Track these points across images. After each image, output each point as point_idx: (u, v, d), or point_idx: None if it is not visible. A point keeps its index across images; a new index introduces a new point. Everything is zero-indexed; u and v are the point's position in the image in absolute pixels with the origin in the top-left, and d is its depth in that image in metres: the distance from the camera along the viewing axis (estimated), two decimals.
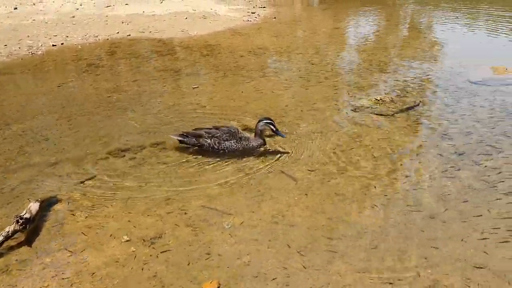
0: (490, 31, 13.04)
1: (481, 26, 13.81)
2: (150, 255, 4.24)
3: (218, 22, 14.62)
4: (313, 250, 4.23)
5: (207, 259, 4.17)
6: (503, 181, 5.21)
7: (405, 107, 7.32)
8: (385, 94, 7.82)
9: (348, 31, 13.84)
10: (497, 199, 4.88)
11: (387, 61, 10.13)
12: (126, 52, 11.36)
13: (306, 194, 5.13)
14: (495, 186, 5.12)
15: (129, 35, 13.12)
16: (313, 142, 6.31)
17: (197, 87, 8.64)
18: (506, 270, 3.89)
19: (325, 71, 9.46)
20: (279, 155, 5.98)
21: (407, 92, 8.09)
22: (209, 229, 4.57)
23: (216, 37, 12.73)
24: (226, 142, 6.08)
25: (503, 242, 4.24)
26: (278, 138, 6.29)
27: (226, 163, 5.83)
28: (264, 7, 17.31)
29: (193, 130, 6.34)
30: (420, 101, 7.54)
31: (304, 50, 11.33)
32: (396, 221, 4.60)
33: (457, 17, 15.23)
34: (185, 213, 4.82)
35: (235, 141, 6.09)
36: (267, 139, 6.22)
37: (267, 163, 5.80)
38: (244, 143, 6.11)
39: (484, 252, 4.12)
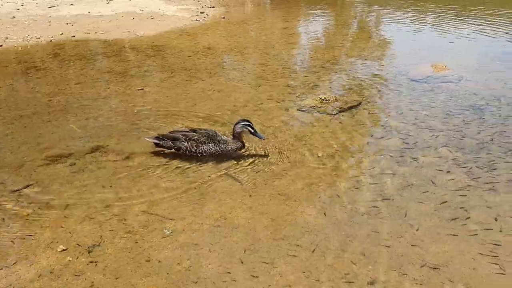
0: (435, 29, 13.48)
1: (426, 25, 14.23)
2: (87, 264, 4.10)
3: (166, 22, 14.40)
4: (255, 252, 4.22)
5: (146, 266, 4.07)
6: (441, 176, 5.37)
7: (348, 105, 7.44)
8: (330, 93, 7.91)
9: (297, 31, 13.96)
10: (433, 194, 5.03)
11: (334, 60, 10.28)
12: (69, 54, 10.99)
13: (250, 196, 5.11)
14: (433, 182, 5.28)
15: (74, 36, 12.71)
16: (258, 143, 6.29)
17: (142, 88, 8.47)
18: (440, 264, 4.00)
19: (273, 71, 9.49)
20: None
21: (351, 91, 8.23)
22: (149, 235, 4.47)
23: (164, 38, 12.53)
24: (204, 145, 5.92)
25: (438, 237, 4.36)
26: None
27: (170, 167, 5.73)
28: (213, 7, 17.20)
29: (170, 132, 6.18)
30: (362, 100, 7.69)
31: (253, 50, 11.33)
32: (338, 220, 4.65)
33: (404, 16, 15.64)
34: (125, 220, 4.70)
35: (213, 144, 5.94)
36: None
37: (212, 166, 5.74)
38: (222, 146, 5.96)
39: (421, 248, 4.22)
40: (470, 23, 13.92)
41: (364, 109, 7.42)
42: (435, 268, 3.95)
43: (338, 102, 7.54)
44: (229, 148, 5.97)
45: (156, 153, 6.03)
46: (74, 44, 11.95)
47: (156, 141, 6.02)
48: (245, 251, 4.23)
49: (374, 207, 4.83)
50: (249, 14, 16.68)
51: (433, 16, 15.42)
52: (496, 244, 4.22)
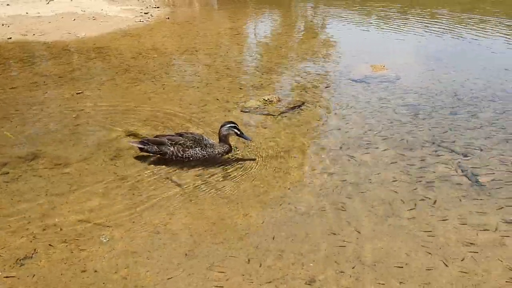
0: (377, 29, 13.85)
1: (370, 25, 14.60)
2: (19, 278, 3.93)
3: (109, 23, 14.07)
4: (195, 257, 4.19)
5: (82, 276, 3.95)
6: (378, 174, 5.53)
7: (291, 106, 7.53)
8: (274, 94, 7.98)
9: (243, 32, 13.98)
10: (370, 191, 5.17)
11: (279, 61, 10.37)
12: (5, 57, 10.52)
13: (191, 200, 5.07)
14: (370, 179, 5.43)
15: (10, 38, 12.19)
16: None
17: (82, 92, 8.22)
18: (376, 261, 4.12)
19: (218, 72, 9.47)
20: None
21: (294, 92, 8.35)
22: (85, 244, 4.34)
23: (106, 39, 12.23)
24: (190, 149, 5.81)
25: (374, 235, 4.49)
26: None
27: (107, 172, 5.59)
28: (158, 7, 16.96)
29: (155, 137, 6.04)
30: (305, 100, 7.80)
31: (198, 50, 11.25)
32: (279, 220, 4.69)
33: (349, 16, 15.99)
34: (61, 229, 4.54)
35: (200, 148, 5.84)
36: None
37: (152, 170, 5.66)
38: (209, 150, 5.86)
39: (357, 244, 4.33)
40: (411, 23, 14.41)
41: (306, 109, 7.53)
42: (371, 265, 4.06)
43: (282, 102, 7.62)
44: (216, 152, 5.88)
45: (94, 159, 5.87)
46: (10, 46, 11.46)
47: (140, 145, 5.87)
48: (185, 256, 4.19)
49: (314, 206, 4.90)
50: (195, 15, 16.56)
51: (377, 17, 15.86)
52: (429, 241, 4.38)
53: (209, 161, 5.83)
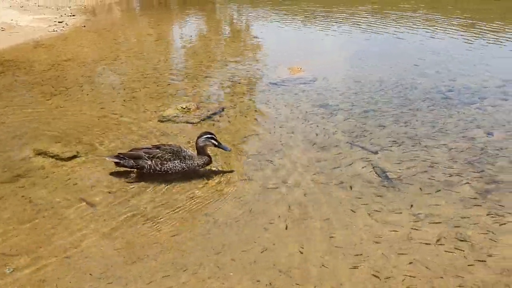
0: (299, 31, 14.11)
1: (292, 27, 14.85)
2: None
3: (20, 34, 13.33)
4: (107, 278, 4.03)
5: None
6: (295, 176, 5.60)
7: (210, 113, 7.48)
8: (192, 101, 7.89)
9: (164, 37, 13.75)
10: (287, 195, 5.22)
11: (199, 67, 10.29)
12: None
13: (104, 220, 4.88)
14: (287, 183, 5.49)
15: None
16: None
17: None
18: (291, 267, 4.15)
19: (135, 81, 9.23)
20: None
21: (213, 98, 8.31)
22: None
23: (16, 51, 11.58)
24: (169, 162, 5.57)
25: (290, 240, 4.53)
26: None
27: (14, 196, 5.26)
28: (73, 16, 16.30)
29: (130, 150, 5.76)
30: (224, 106, 7.79)
31: (113, 60, 10.92)
32: (194, 234, 4.62)
33: (272, 18, 16.18)
34: None
35: (179, 161, 5.60)
36: None
37: (62, 190, 5.39)
38: (188, 162, 5.63)
39: (273, 251, 4.35)
40: (331, 24, 14.81)
41: (225, 115, 7.51)
42: (287, 271, 4.09)
43: (200, 110, 7.55)
44: (196, 164, 5.68)
45: None
46: None
47: (116, 160, 5.64)
48: (96, 280, 4.02)
49: (232, 216, 4.88)
50: (115, 21, 16.09)
51: (298, 18, 16.15)
52: (341, 240, 4.49)
53: (121, 176, 5.66)
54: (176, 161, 5.60)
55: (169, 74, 9.84)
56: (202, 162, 5.69)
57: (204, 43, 12.80)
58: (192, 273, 4.10)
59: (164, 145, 5.80)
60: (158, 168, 5.58)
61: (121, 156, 5.68)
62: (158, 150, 5.65)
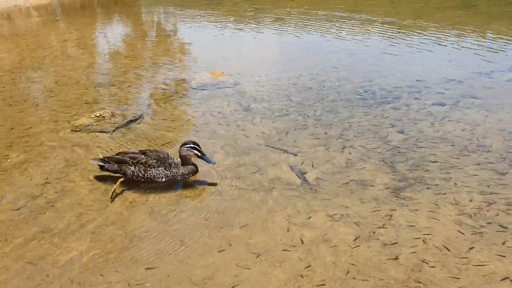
0: (223, 35, 14.00)
1: (216, 31, 14.72)
2: None
3: None
4: None
5: None
6: (216, 184, 5.48)
7: (127, 120, 7.20)
8: (108, 109, 7.55)
9: (83, 44, 13.15)
10: (203, 202, 5.09)
11: (117, 73, 9.93)
12: None
13: (6, 240, 4.50)
14: (208, 190, 5.35)
15: None
16: (22, 175, 5.64)
17: None
18: (206, 278, 4.02)
19: (44, 90, 8.73)
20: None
21: (131, 105, 8.02)
22: None
23: None
24: (153, 169, 5.25)
25: (206, 249, 4.40)
26: None
27: None
28: None
29: (116, 154, 5.43)
30: (142, 113, 7.53)
31: (26, 68, 10.28)
32: (107, 250, 4.37)
33: (197, 23, 15.96)
34: None
35: (163, 168, 5.27)
36: None
37: None
38: (174, 170, 5.31)
39: (188, 264, 4.20)
40: (259, 26, 14.86)
41: (143, 122, 7.26)
42: (201, 283, 3.95)
43: (115, 117, 7.24)
44: (181, 173, 5.37)
45: None
46: None
47: (100, 163, 5.36)
48: None
49: (145, 228, 4.67)
50: (32, 27, 15.18)
51: (224, 22, 16.07)
52: (260, 247, 4.42)
53: (28, 190, 5.27)
54: (160, 168, 5.37)
55: (86, 81, 9.40)
56: (188, 171, 5.46)
57: (125, 48, 12.39)
58: None
59: (151, 150, 5.57)
60: (141, 175, 5.36)
61: (106, 160, 5.46)
62: (143, 155, 5.41)
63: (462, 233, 4.49)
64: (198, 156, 5.38)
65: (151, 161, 5.37)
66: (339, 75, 9.51)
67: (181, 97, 8.40)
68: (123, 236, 4.56)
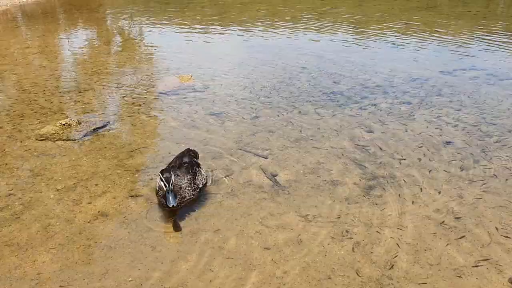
0: (190, 39, 13.89)
1: (183, 35, 14.60)
2: None
3: None
4: None
5: None
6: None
7: (93, 128, 7.04)
8: (73, 116, 7.38)
9: (45, 50, 12.81)
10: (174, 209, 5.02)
11: (82, 79, 9.71)
12: None
13: None
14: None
15: None
16: None
17: None
18: (181, 283, 3.96)
19: (8, 98, 8.46)
20: None
21: (97, 112, 7.84)
22: None
23: None
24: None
25: (178, 255, 4.34)
26: None
27: None
28: None
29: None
30: (109, 121, 7.38)
31: None
32: (75, 261, 4.25)
33: (163, 27, 15.79)
34: None
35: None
36: None
37: None
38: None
39: (161, 270, 4.13)
40: (227, 30, 14.82)
41: (111, 129, 7.12)
42: None
43: (82, 125, 7.08)
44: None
45: None
46: None
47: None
48: None
49: (116, 238, 4.57)
50: None
51: (190, 26, 15.95)
52: (233, 251, 4.38)
53: None
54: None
55: (50, 88, 9.15)
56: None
57: (90, 55, 12.15)
58: None
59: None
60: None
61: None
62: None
63: (433, 229, 4.58)
64: (165, 188, 4.78)
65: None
66: (308, 77, 9.57)
67: (149, 102, 8.28)
68: (93, 247, 4.44)
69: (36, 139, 6.73)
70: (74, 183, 5.57)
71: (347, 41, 13.01)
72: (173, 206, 4.71)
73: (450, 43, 12.42)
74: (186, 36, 14.28)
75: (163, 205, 4.89)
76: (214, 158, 6.15)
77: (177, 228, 4.66)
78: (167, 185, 4.76)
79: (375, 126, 7.02)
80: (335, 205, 5.04)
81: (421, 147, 6.34)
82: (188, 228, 4.70)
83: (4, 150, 6.41)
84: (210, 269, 4.12)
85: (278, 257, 4.25)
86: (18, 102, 8.27)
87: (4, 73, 10.14)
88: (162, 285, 3.94)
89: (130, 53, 12.37)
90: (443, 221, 4.71)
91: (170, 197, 4.73)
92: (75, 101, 8.40)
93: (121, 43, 13.96)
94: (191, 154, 5.70)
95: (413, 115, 7.41)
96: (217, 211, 4.98)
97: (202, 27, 15.59)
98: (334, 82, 9.17)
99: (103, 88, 9.09)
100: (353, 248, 4.35)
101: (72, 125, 6.97)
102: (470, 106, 7.74)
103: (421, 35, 13.40)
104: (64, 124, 6.94)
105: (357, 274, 4.01)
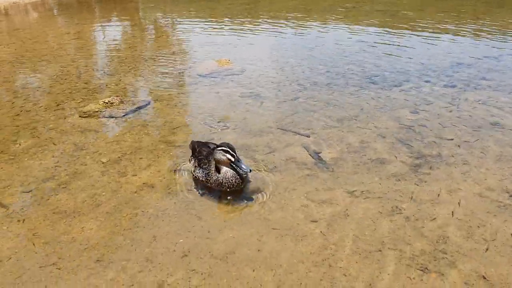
0: (225, 29, 13.92)
1: (218, 26, 14.64)
2: None
3: None
4: (23, 285, 3.59)
5: None
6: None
7: (136, 106, 7.09)
8: (114, 96, 7.44)
9: (83, 36, 13.04)
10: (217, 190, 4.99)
11: (122, 63, 9.82)
12: None
13: (19, 220, 4.40)
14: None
15: None
16: (31, 159, 5.54)
17: None
18: (228, 252, 3.93)
19: (52, 80, 8.62)
20: None
21: (139, 91, 7.92)
22: None
23: None
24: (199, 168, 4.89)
25: (224, 225, 4.31)
26: None
27: None
28: None
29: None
30: (151, 100, 7.44)
31: (28, 59, 10.16)
32: (122, 228, 4.27)
33: (195, 17, 15.86)
34: None
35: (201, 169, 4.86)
36: None
37: None
38: (209, 176, 4.76)
39: (208, 238, 4.11)
40: (256, 22, 14.77)
41: (152, 108, 7.16)
42: (223, 258, 3.85)
43: (124, 104, 7.14)
44: (213, 182, 4.73)
45: None
46: None
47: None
48: (12, 286, 3.57)
49: (161, 208, 4.57)
50: (31, 22, 15.05)
51: (223, 18, 15.98)
52: (279, 223, 4.32)
53: (39, 174, 5.16)
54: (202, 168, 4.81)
55: (92, 70, 9.31)
56: (226, 183, 4.67)
57: (127, 41, 12.28)
58: (121, 268, 3.76)
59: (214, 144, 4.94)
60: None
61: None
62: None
63: (486, 206, 4.41)
64: (231, 162, 4.57)
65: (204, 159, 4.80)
66: (346, 60, 9.41)
67: (188, 84, 8.30)
68: (140, 215, 4.45)
69: (80, 116, 6.83)
70: (119, 157, 5.61)
71: (381, 30, 12.76)
72: (250, 170, 4.52)
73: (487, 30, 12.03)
74: (219, 24, 14.29)
75: (227, 181, 4.64)
76: (256, 136, 6.10)
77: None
78: (234, 155, 4.51)
79: (419, 107, 6.84)
80: (383, 181, 4.92)
81: (468, 127, 6.13)
82: (229, 202, 4.66)
83: (49, 126, 6.51)
84: (258, 239, 4.06)
85: (326, 230, 4.17)
86: (60, 83, 8.41)
87: (45, 56, 10.34)
88: (210, 252, 3.91)
89: (165, 40, 12.45)
90: (497, 198, 4.53)
91: (243, 164, 4.50)
92: (116, 82, 8.49)
93: (156, 31, 14.07)
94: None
95: (459, 97, 7.19)
96: (261, 186, 4.92)
97: (234, 16, 15.56)
98: (375, 66, 8.99)
99: (143, 71, 9.16)
100: (403, 222, 4.22)
101: (114, 104, 7.04)
102: None
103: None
104: (106, 103, 7.01)
105: (409, 248, 3.89)
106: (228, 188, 4.67)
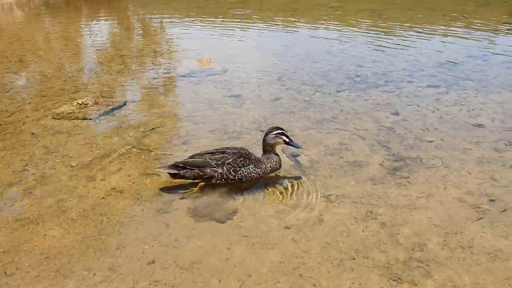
0: (208, 29, 13.73)
1: (201, 26, 14.46)
2: None
3: None
4: None
5: None
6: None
7: (110, 108, 6.90)
8: (90, 97, 7.24)
9: (67, 36, 12.79)
10: (192, 190, 4.83)
11: (100, 64, 9.61)
12: None
13: None
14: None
15: None
16: None
17: None
18: (195, 261, 3.77)
19: (28, 80, 8.39)
20: None
21: (114, 92, 7.72)
22: None
23: None
24: (243, 168, 4.73)
25: (193, 233, 4.14)
26: None
27: None
28: None
29: (189, 158, 4.83)
30: (126, 100, 7.24)
31: (5, 58, 9.91)
32: (86, 236, 4.09)
33: (182, 19, 15.66)
34: None
35: (253, 166, 4.79)
36: None
37: None
38: (262, 166, 4.82)
39: (175, 248, 3.94)
40: (246, 23, 14.60)
41: (127, 110, 6.96)
42: (189, 267, 3.69)
43: (99, 105, 6.94)
44: (269, 168, 4.88)
45: None
46: None
47: (172, 171, 4.69)
48: None
49: (129, 214, 4.39)
50: (12, 22, 14.77)
51: (206, 18, 15.81)
52: (250, 230, 4.16)
53: (2, 178, 4.96)
54: (250, 167, 4.79)
55: (70, 71, 9.07)
56: (275, 165, 4.91)
57: (111, 40, 12.06)
58: (81, 279, 3.58)
59: (228, 148, 4.90)
60: (231, 176, 4.73)
61: (180, 165, 4.73)
62: (225, 154, 4.77)
63: (464, 212, 4.28)
64: (286, 143, 4.86)
65: (239, 159, 4.77)
66: (331, 61, 9.27)
67: (167, 84, 8.12)
68: (105, 223, 4.27)
69: (53, 118, 6.63)
70: (89, 160, 5.42)
71: (368, 32, 12.65)
72: (301, 148, 5.10)
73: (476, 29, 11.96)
74: (205, 24, 14.11)
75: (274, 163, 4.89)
76: (233, 139, 5.93)
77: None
78: (286, 139, 4.84)
79: (399, 108, 6.71)
80: (359, 185, 4.77)
81: (450, 129, 6.01)
82: (201, 209, 4.49)
83: (20, 128, 6.30)
84: (227, 247, 3.90)
85: (298, 237, 4.01)
86: (37, 83, 8.19)
87: (25, 56, 10.09)
88: (175, 261, 3.74)
89: (149, 39, 12.25)
90: (476, 203, 4.40)
91: (295, 143, 4.88)
92: (93, 83, 8.28)
93: (141, 30, 13.86)
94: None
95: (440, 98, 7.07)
96: (235, 190, 4.76)
97: (221, 17, 15.39)
98: (358, 66, 8.86)
99: (122, 71, 8.96)
100: (378, 229, 4.08)
101: (88, 105, 6.84)
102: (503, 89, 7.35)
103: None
104: (80, 104, 6.82)
105: (383, 256, 3.74)
106: (276, 170, 4.95)
